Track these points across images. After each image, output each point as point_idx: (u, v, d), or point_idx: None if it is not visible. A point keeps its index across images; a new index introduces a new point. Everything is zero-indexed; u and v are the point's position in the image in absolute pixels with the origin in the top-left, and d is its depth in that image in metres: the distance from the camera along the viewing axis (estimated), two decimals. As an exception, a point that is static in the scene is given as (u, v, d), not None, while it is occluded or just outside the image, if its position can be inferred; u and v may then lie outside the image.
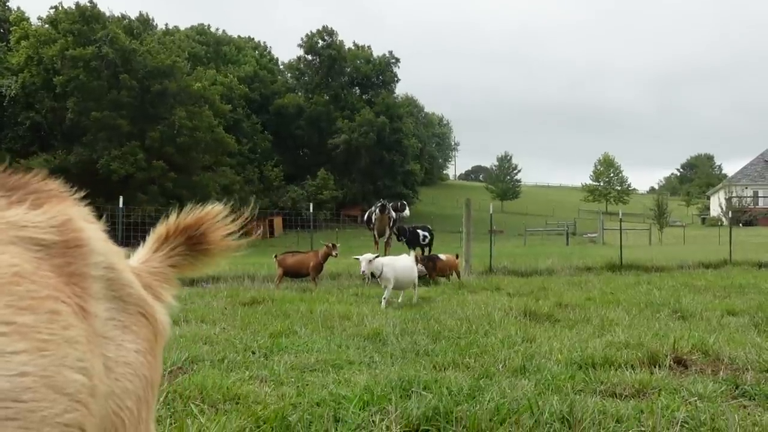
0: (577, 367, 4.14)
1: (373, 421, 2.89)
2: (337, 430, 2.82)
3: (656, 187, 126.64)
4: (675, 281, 14.23)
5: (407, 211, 14.83)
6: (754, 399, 3.44)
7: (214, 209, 1.52)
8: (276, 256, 13.39)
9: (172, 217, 1.47)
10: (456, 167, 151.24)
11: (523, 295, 11.04)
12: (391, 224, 13.77)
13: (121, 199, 15.78)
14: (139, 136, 52.07)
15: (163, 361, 3.84)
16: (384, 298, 9.22)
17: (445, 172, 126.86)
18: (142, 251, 1.44)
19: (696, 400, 3.28)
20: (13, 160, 50.38)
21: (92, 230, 1.20)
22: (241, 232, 1.58)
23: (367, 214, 14.37)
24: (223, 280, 15.12)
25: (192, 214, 1.50)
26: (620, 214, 23.32)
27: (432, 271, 13.62)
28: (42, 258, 1.01)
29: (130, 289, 1.20)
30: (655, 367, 4.17)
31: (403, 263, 9.80)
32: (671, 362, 4.30)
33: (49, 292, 0.95)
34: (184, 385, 3.31)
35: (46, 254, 1.03)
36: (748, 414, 3.15)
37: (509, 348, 4.80)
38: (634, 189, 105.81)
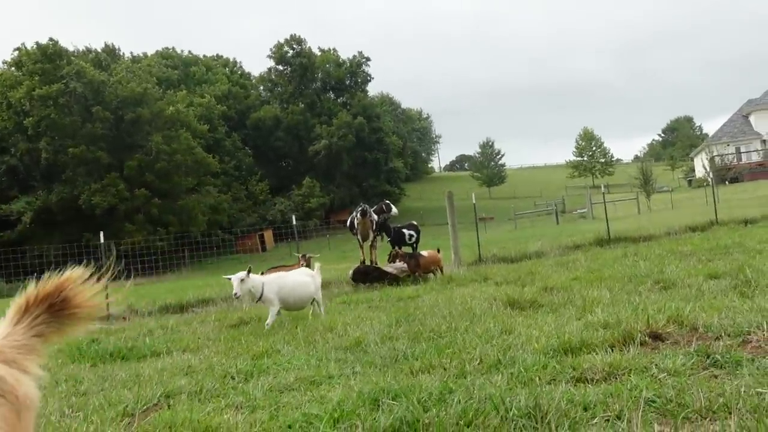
0: (551, 355, 4.14)
1: (341, 438, 2.88)
2: (306, 452, 2.80)
3: (640, 155, 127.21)
4: (662, 249, 14.30)
5: (394, 210, 14.79)
6: (724, 367, 3.45)
7: (74, 273, 1.50)
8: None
9: (30, 287, 1.44)
10: (440, 159, 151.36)
11: (510, 282, 11.05)
12: (374, 227, 13.76)
13: (102, 234, 15.66)
14: (117, 167, 51.84)
15: (137, 399, 3.79)
16: (267, 324, 8.09)
17: (430, 165, 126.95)
18: (2, 325, 1.42)
19: (665, 376, 3.29)
20: (-6, 205, 50.07)
21: None
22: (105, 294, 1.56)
23: (349, 219, 14.36)
24: (212, 303, 15.07)
25: (51, 281, 1.47)
26: (603, 188, 23.41)
27: (416, 268, 13.61)
28: None
29: None
30: (628, 345, 4.18)
31: (292, 279, 8.71)
32: (645, 338, 4.31)
33: None
34: (153, 423, 3.29)
35: None
36: (717, 384, 3.16)
37: (486, 342, 4.80)
38: (619, 159, 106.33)
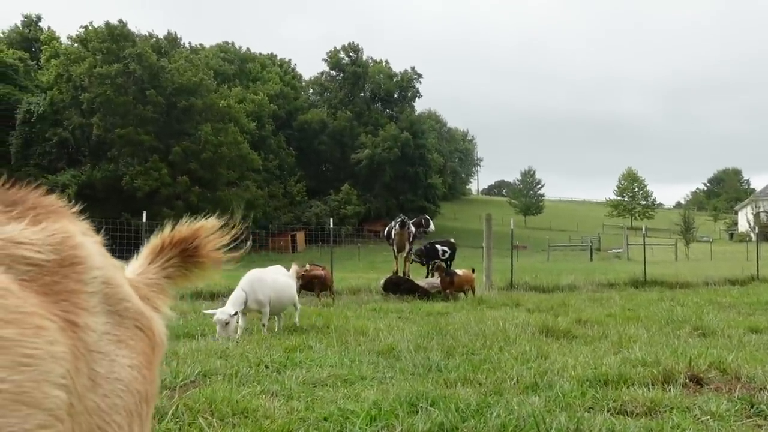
0: (589, 384, 4.10)
1: (378, 436, 2.90)
2: (343, 445, 2.83)
3: (682, 202, 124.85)
4: (699, 298, 14.01)
5: (432, 227, 14.83)
6: (768, 419, 3.38)
7: (208, 223, 1.55)
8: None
9: (167, 230, 1.49)
10: (479, 182, 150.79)
11: (543, 311, 10.96)
12: (410, 239, 13.80)
13: (144, 214, 15.99)
14: (163, 152, 52.87)
15: (176, 374, 3.88)
16: (263, 324, 7.54)
17: (468, 187, 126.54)
18: (137, 262, 1.47)
19: (708, 419, 3.24)
20: (41, 175, 51.45)
21: (90, 246, 1.22)
22: (232, 245, 1.61)
23: (387, 229, 14.43)
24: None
25: (186, 227, 1.53)
26: (644, 229, 23.02)
27: (449, 285, 13.58)
28: (32, 277, 1.04)
29: (127, 303, 1.23)
30: (669, 384, 4.12)
31: (273, 279, 7.84)
32: (686, 380, 4.25)
33: (34, 309, 0.98)
34: (193, 398, 3.35)
35: (38, 272, 1.06)
36: (761, 434, 3.10)
37: (522, 364, 4.77)
38: (660, 204, 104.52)
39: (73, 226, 1.24)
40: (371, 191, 69.62)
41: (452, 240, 15.71)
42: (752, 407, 3.54)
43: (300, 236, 64.11)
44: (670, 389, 3.99)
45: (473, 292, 13.60)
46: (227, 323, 6.99)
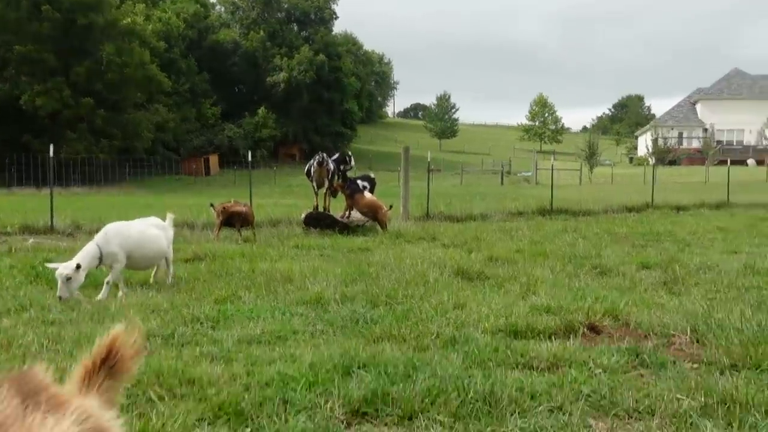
0: (501, 336, 4.58)
1: (318, 403, 3.22)
2: (286, 412, 3.14)
3: (588, 126, 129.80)
4: (599, 227, 15.11)
5: (353, 163, 15.02)
6: (650, 368, 3.94)
7: (118, 332, 1.52)
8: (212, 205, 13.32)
9: (84, 360, 1.47)
10: (395, 105, 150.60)
11: (458, 245, 11.55)
12: (329, 177, 13.99)
13: (51, 147, 15.32)
14: (63, 72, 49.65)
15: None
16: (107, 282, 6.58)
17: (384, 110, 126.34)
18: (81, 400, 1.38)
19: (600, 372, 3.76)
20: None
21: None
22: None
23: (307, 166, 14.54)
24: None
25: (100, 347, 1.49)
26: (552, 159, 24.08)
27: (349, 199, 14.00)
28: None
29: None
30: (570, 335, 4.66)
31: (138, 231, 7.01)
32: (585, 330, 4.81)
33: None
34: (141, 370, 3.55)
35: None
36: (643, 384, 3.65)
37: (441, 315, 5.21)
38: (568, 128, 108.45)
39: (94, 408, 1.33)
40: (288, 115, 68.43)
41: (371, 174, 15.99)
42: (637, 357, 4.10)
43: (213, 159, 62.67)
44: (571, 340, 4.53)
45: (383, 227, 13.90)
46: (69, 278, 6.02)
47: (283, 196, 35.04)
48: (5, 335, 4.41)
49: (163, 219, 7.80)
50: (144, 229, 7.08)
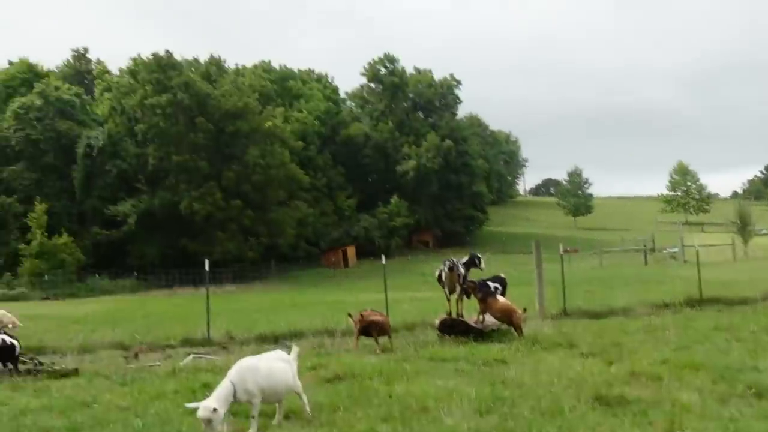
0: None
1: None
2: None
3: (739, 191, 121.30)
4: (757, 323, 13.93)
5: (483, 265, 15.12)
6: None
7: None
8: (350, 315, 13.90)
9: None
10: (525, 183, 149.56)
11: (596, 354, 11.16)
12: (460, 281, 14.18)
13: (207, 263, 16.85)
14: (216, 177, 54.65)
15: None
16: (252, 417, 6.93)
17: (515, 188, 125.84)
18: None
19: None
20: (104, 206, 53.80)
21: None
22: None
23: (437, 272, 14.83)
24: (304, 336, 15.85)
25: None
26: (696, 246, 22.80)
27: (482, 304, 13.88)
28: None
29: None
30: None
31: (267, 366, 7.24)
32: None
33: None
34: None
35: None
36: None
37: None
38: (716, 194, 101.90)
39: None
40: (418, 202, 70.15)
41: (502, 275, 15.95)
42: None
43: (350, 251, 65.07)
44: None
45: (519, 332, 13.72)
46: (210, 420, 6.30)
47: (418, 287, 35.44)
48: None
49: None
50: (272, 364, 7.29)
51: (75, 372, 11.29)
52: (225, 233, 52.95)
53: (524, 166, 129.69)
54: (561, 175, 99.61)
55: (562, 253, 20.18)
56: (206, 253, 47.88)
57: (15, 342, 11.51)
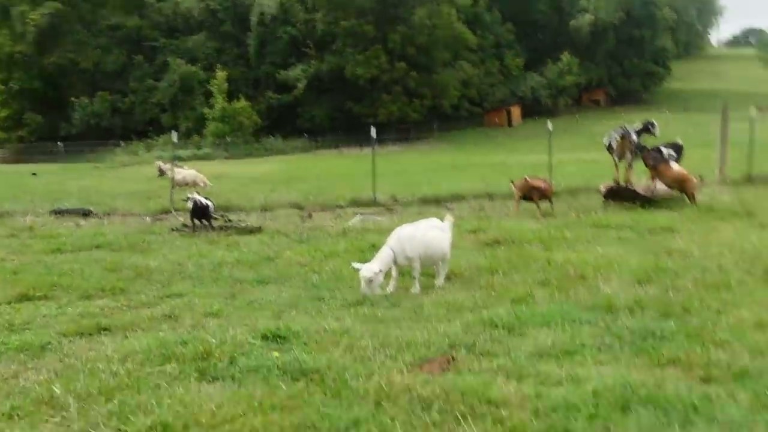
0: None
1: (596, 438, 3.66)
2: (566, 443, 3.65)
3: None
4: None
5: (657, 131, 14.25)
6: None
7: None
8: (512, 182, 13.99)
9: None
10: (719, 33, 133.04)
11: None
12: (632, 149, 13.56)
13: (373, 130, 17.45)
14: (381, 40, 54.75)
15: (429, 344, 4.90)
16: (414, 277, 7.66)
17: (706, 39, 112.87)
18: None
19: None
20: (275, 72, 56.51)
21: None
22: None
23: (607, 139, 14.24)
24: (464, 200, 16.26)
25: None
26: None
27: (653, 170, 13.29)
28: None
29: None
30: None
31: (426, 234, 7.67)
32: None
33: None
34: (443, 386, 4.34)
35: None
36: None
37: (737, 339, 5.09)
38: None
39: None
40: (591, 59, 65.79)
41: (679, 141, 14.94)
42: None
43: (515, 111, 63.42)
44: None
45: (692, 199, 13.02)
46: (371, 280, 7.07)
47: (586, 149, 34.18)
48: (348, 336, 5.60)
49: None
50: (429, 231, 7.71)
51: (259, 229, 12.69)
52: (390, 95, 53.77)
53: (719, 14, 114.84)
54: (766, 23, 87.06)
55: (753, 114, 18.32)
56: (371, 116, 50.01)
57: (209, 202, 13.10)
